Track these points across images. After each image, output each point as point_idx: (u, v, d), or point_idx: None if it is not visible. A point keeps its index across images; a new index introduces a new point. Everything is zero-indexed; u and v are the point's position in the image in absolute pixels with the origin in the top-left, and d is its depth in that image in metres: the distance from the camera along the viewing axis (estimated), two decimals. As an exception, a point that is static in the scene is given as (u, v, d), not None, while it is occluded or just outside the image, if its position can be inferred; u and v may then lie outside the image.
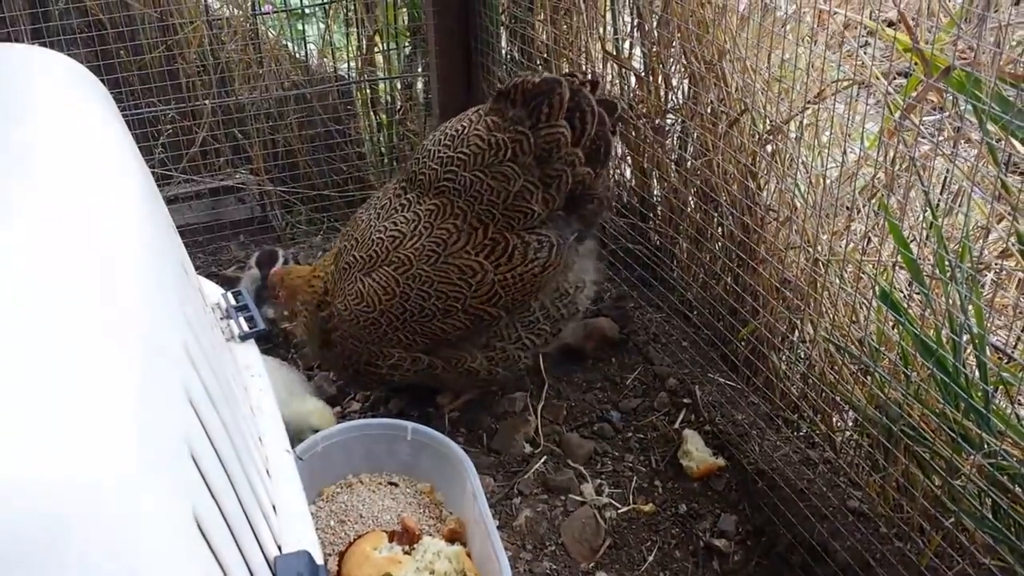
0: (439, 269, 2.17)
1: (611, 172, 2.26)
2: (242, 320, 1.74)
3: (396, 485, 2.24)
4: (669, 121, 2.71)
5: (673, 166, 2.77)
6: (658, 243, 2.92)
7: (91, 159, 1.28)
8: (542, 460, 2.43)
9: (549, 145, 2.10)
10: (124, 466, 0.76)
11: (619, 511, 2.31)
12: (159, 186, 3.31)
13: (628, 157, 2.98)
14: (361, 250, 2.26)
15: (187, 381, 1.10)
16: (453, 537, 2.06)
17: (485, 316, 2.21)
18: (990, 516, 1.71)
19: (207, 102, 3.41)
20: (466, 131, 2.16)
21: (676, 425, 2.53)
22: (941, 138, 1.91)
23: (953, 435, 1.73)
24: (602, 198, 2.22)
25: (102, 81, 1.57)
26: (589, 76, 2.46)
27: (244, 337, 1.71)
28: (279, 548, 1.26)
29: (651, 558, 2.26)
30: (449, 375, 2.35)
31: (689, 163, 2.69)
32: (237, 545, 1.09)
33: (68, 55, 1.54)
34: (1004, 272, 2.04)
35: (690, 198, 2.69)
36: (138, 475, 0.77)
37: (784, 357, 2.43)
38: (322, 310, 2.34)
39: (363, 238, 2.27)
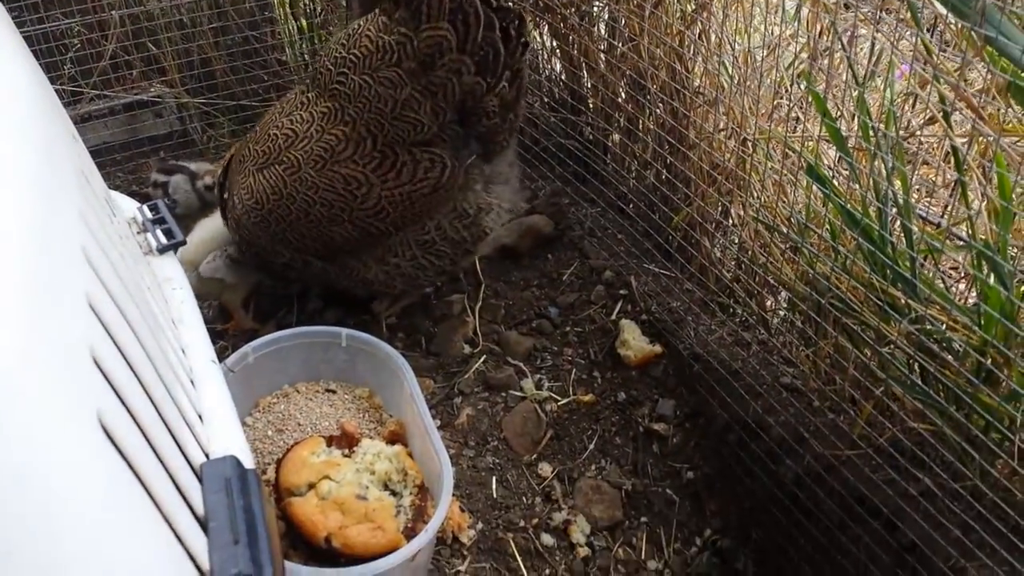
0: (325, 176, 2.13)
1: (514, 88, 2.16)
2: (160, 233, 1.72)
3: (334, 392, 2.24)
4: (596, 7, 2.68)
5: (602, 56, 2.75)
6: (591, 136, 2.91)
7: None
8: (482, 359, 2.45)
9: (431, 49, 2.01)
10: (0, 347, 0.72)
11: (559, 403, 2.34)
12: (69, 103, 3.24)
13: (557, 50, 2.94)
14: (258, 143, 2.22)
15: (87, 286, 1.06)
16: (393, 439, 2.07)
17: (373, 230, 2.18)
18: (919, 382, 1.75)
19: (114, 12, 3.29)
20: (359, 31, 2.09)
21: (613, 316, 2.54)
22: (863, 4, 1.88)
23: (881, 304, 1.75)
24: (499, 114, 2.12)
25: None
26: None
27: (162, 250, 1.70)
28: (207, 456, 1.24)
29: (592, 446, 2.29)
30: (345, 283, 2.34)
31: (618, 50, 2.66)
32: (155, 452, 1.06)
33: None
34: (930, 141, 2.04)
35: (621, 87, 2.68)
36: (17, 359, 0.73)
37: (717, 242, 2.45)
38: (221, 192, 2.33)
39: (262, 131, 2.23)
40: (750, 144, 2.16)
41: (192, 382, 1.40)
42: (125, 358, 1.09)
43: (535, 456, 2.22)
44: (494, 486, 2.15)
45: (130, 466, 0.94)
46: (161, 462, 1.07)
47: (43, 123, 1.26)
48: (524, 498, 2.18)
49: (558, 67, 2.95)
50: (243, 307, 2.67)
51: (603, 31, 2.76)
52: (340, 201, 2.13)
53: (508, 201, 2.30)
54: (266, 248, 2.26)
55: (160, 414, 1.13)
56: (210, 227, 2.59)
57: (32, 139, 1.15)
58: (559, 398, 2.34)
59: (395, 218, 2.16)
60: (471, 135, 2.16)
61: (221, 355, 2.18)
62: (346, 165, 2.11)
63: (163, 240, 1.71)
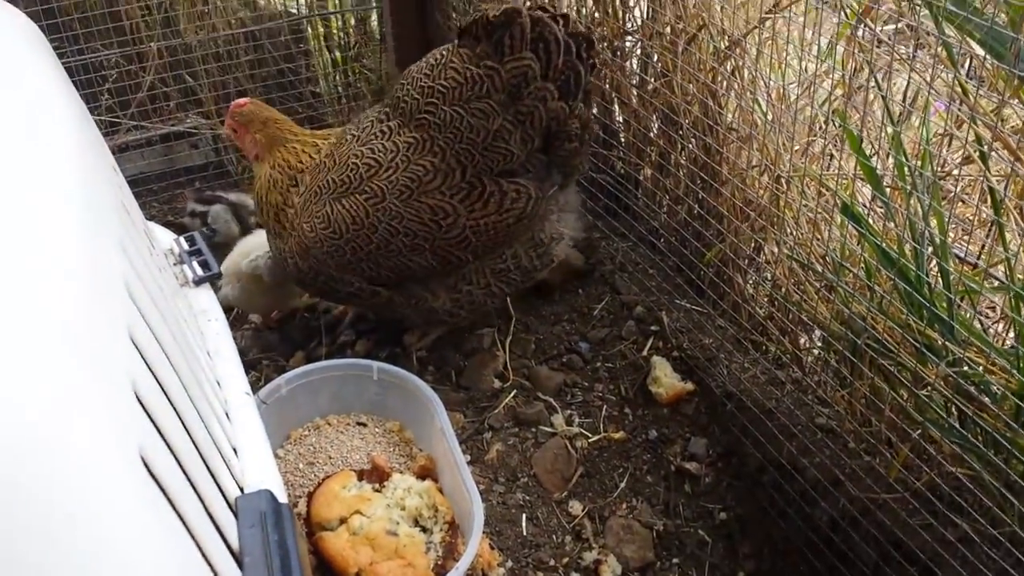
0: (411, 206, 2.15)
1: (588, 108, 2.21)
2: (196, 265, 1.74)
3: (364, 425, 2.24)
4: (628, 43, 2.69)
5: (634, 90, 2.76)
6: (622, 171, 2.91)
7: (19, 100, 1.24)
8: (512, 394, 2.44)
9: (517, 79, 2.07)
10: (54, 391, 0.73)
11: (590, 440, 2.32)
12: (107, 134, 3.30)
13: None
14: (336, 172, 2.23)
15: (129, 319, 1.08)
16: (424, 474, 2.07)
17: (453, 259, 2.21)
18: (957, 425, 1.73)
19: (152, 44, 3.35)
20: (443, 61, 2.13)
21: (644, 352, 2.54)
22: (899, 44, 1.89)
23: (918, 346, 1.74)
24: (579, 136, 2.19)
25: (41, 27, 1.53)
26: (553, 7, 2.39)
27: (198, 282, 1.71)
28: (241, 490, 1.26)
29: (623, 484, 2.27)
30: (408, 311, 2.35)
31: (651, 86, 2.67)
32: (192, 486, 1.07)
33: (6, 0, 1.51)
34: (967, 180, 2.03)
35: (653, 122, 2.68)
36: (69, 402, 0.74)
37: (750, 279, 2.44)
38: (291, 187, 2.30)
39: (340, 160, 2.24)
40: (784, 181, 2.16)
41: (227, 415, 1.42)
42: (165, 392, 1.11)
43: (565, 493, 2.21)
44: (524, 523, 2.13)
45: (170, 501, 0.95)
46: (199, 496, 1.08)
47: (86, 155, 1.29)
48: (554, 536, 2.17)
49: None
50: (268, 321, 2.74)
51: (635, 66, 2.77)
52: (424, 231, 2.16)
53: (573, 229, 2.37)
54: (333, 276, 2.27)
55: (198, 448, 1.15)
56: (253, 243, 2.66)
57: (77, 172, 1.18)
58: (590, 435, 2.33)
59: (476, 247, 2.20)
60: (552, 164, 2.22)
61: (254, 386, 2.19)
62: (433, 196, 2.14)
63: (199, 272, 1.73)
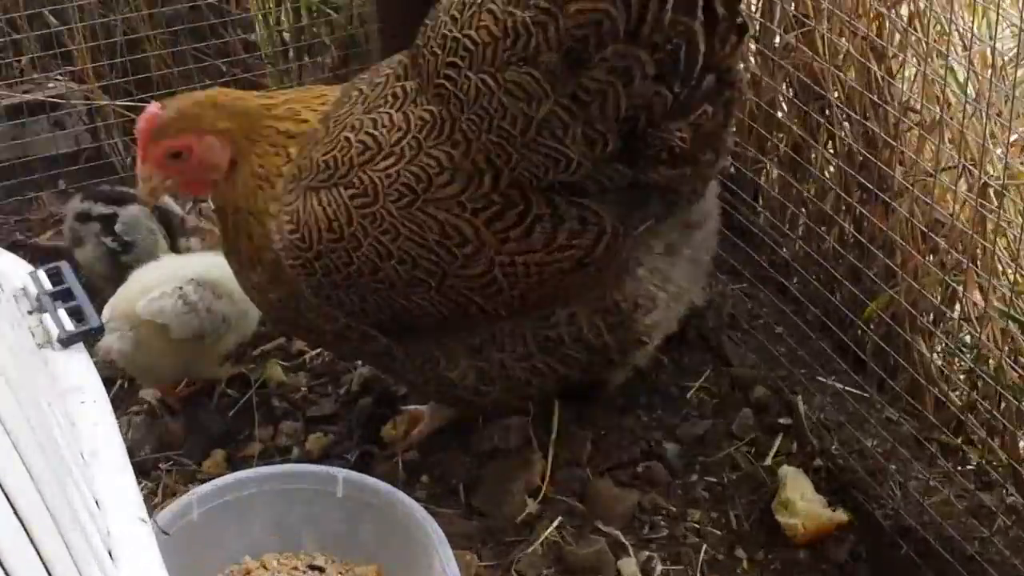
0: (412, 217, 2.19)
1: (716, 109, 2.12)
2: (63, 314, 1.75)
3: (322, 570, 2.24)
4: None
5: (753, 48, 2.74)
6: (733, 172, 2.89)
7: None
8: (555, 523, 2.45)
9: (584, 33, 2.04)
10: None
11: (682, 600, 2.25)
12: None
13: None
14: (321, 148, 2.27)
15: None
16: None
17: (472, 309, 2.24)
18: None
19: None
20: (479, 1, 2.12)
21: (768, 461, 2.55)
22: None
23: None
24: (684, 156, 2.15)
25: None
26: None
27: (67, 340, 1.72)
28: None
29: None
30: (412, 376, 2.39)
31: (779, 39, 2.66)
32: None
33: None
34: None
35: (782, 95, 2.68)
36: None
37: (938, 345, 2.42)
38: (290, 178, 2.31)
39: (332, 129, 2.28)
40: (993, 192, 2.14)
41: (110, 553, 1.43)
42: (18, 517, 1.14)
43: None
44: None
45: None
46: None
47: None
48: None
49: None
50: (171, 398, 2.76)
51: (754, 8, 2.77)
52: (429, 259, 2.19)
53: (680, 291, 2.36)
54: (311, 306, 2.31)
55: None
56: (158, 275, 2.67)
57: None
58: (681, 592, 2.27)
59: (510, 298, 2.21)
60: (648, 184, 2.19)
61: (149, 503, 2.20)
62: (447, 206, 2.17)
63: (68, 325, 1.73)
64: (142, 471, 2.59)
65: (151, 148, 2.32)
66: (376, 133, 2.22)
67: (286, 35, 3.77)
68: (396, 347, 2.33)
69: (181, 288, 2.58)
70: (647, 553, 2.42)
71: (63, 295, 1.78)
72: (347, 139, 2.23)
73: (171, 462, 2.67)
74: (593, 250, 2.18)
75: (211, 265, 2.64)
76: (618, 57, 2.04)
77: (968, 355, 2.34)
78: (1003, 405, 2.25)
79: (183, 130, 2.29)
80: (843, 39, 2.46)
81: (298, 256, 2.24)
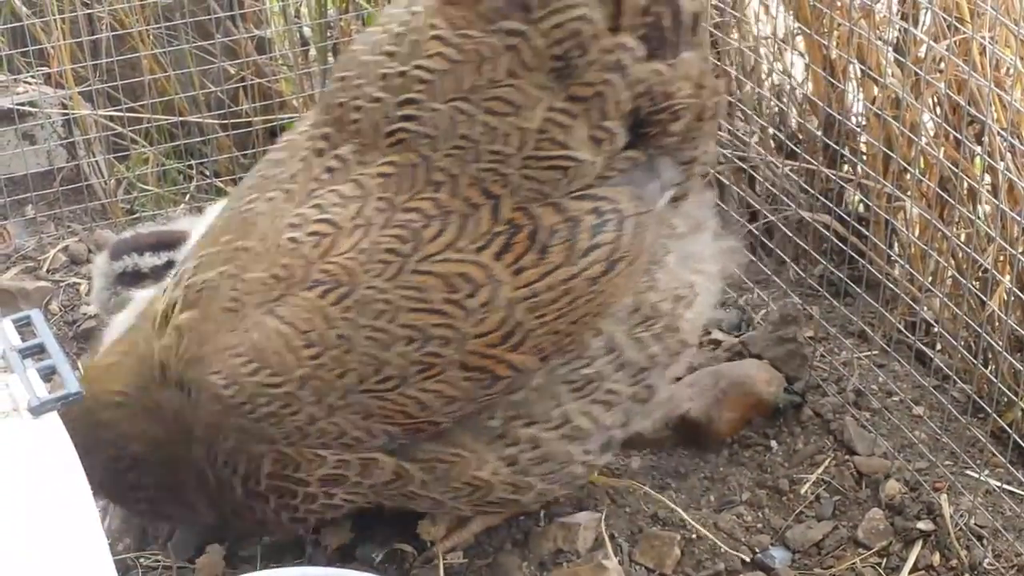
0: (406, 284, 2.11)
1: (704, 54, 2.19)
2: (33, 375, 1.66)
3: None
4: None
5: (890, 53, 2.63)
6: (860, 208, 2.79)
7: None
8: (636, 648, 2.33)
9: (566, 43, 2.04)
10: None
11: None
12: None
13: (797, 36, 2.87)
14: (253, 267, 2.20)
15: None
16: None
17: (497, 373, 2.15)
18: None
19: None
20: (416, 29, 2.13)
21: (905, 574, 2.39)
22: None
23: None
24: (695, 107, 2.17)
25: None
26: None
27: (39, 409, 1.62)
28: None
29: None
30: (438, 493, 2.29)
31: (924, 46, 2.53)
32: None
33: None
34: None
35: (926, 114, 2.62)
36: None
37: None
38: (157, 408, 2.30)
39: (259, 244, 2.22)
40: None
41: None
42: None
43: None
44: None
45: None
46: None
47: None
48: None
49: (797, 70, 2.92)
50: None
51: (893, 11, 2.68)
52: (440, 326, 2.11)
53: (711, 263, 2.36)
54: (285, 459, 2.23)
55: None
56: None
57: None
58: None
59: (539, 342, 2.14)
60: (657, 156, 2.21)
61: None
62: (446, 258, 2.09)
63: (40, 390, 1.63)
64: (120, 571, 2.16)
65: None
66: (327, 216, 2.16)
67: (307, 31, 3.68)
68: (406, 467, 2.26)
69: None
70: None
71: (34, 351, 1.69)
72: (290, 240, 2.17)
73: (153, 563, 2.56)
74: (619, 240, 2.14)
75: None
76: (607, 53, 2.07)
77: None
78: None
79: None
80: (1008, 50, 2.37)
81: (269, 393, 2.14)
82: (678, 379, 2.49)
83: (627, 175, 2.19)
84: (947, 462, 2.51)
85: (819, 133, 2.81)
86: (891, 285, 2.70)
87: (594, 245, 2.13)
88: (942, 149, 2.60)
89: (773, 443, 2.65)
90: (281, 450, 2.21)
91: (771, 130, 2.98)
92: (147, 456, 2.34)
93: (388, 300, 2.11)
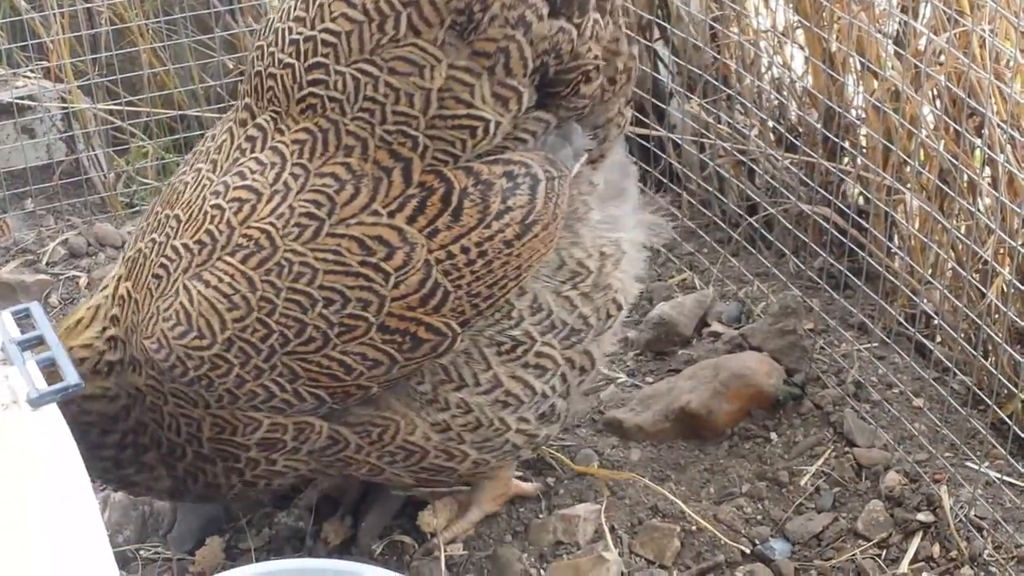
0: (324, 247, 2.15)
1: (615, 19, 2.20)
2: (32, 367, 1.69)
3: None
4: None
5: (890, 45, 2.59)
6: (860, 200, 2.80)
7: None
8: (635, 639, 2.32)
9: (464, 3, 2.09)
10: None
11: None
12: None
13: (796, 29, 2.87)
14: (180, 234, 2.24)
15: None
16: None
17: (418, 335, 2.18)
18: None
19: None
20: None
21: (903, 567, 2.40)
22: None
23: None
24: (605, 70, 2.22)
25: None
26: None
27: (37, 401, 1.65)
28: None
29: None
30: (375, 459, 2.30)
31: (924, 39, 2.51)
32: None
33: None
34: None
35: (926, 107, 2.59)
36: None
37: None
38: (110, 372, 2.33)
39: (184, 212, 2.26)
40: None
41: None
42: None
43: None
44: None
45: None
46: None
47: None
48: None
49: (797, 63, 2.92)
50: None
51: (895, 3, 2.67)
52: (359, 287, 2.14)
53: (634, 227, 2.36)
54: (223, 423, 2.25)
55: None
56: None
57: None
58: None
59: (459, 303, 2.17)
60: (569, 120, 2.23)
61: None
62: (361, 220, 2.14)
63: (39, 382, 1.66)
64: (119, 563, 2.31)
65: None
66: (248, 183, 2.20)
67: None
68: (340, 431, 2.28)
69: None
70: None
71: (33, 343, 1.74)
72: (214, 207, 2.21)
73: (153, 554, 2.56)
74: (532, 204, 2.17)
75: None
76: (509, 8, 2.11)
77: None
78: None
79: None
80: (1008, 42, 2.38)
81: (199, 356, 2.17)
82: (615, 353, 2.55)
83: (540, 139, 2.23)
84: (947, 454, 2.51)
85: (819, 126, 2.82)
86: (891, 277, 2.71)
87: (507, 208, 2.16)
88: (942, 142, 2.60)
89: (773, 435, 2.66)
90: (215, 413, 2.24)
91: (771, 123, 2.99)
92: (107, 415, 2.34)
93: (307, 263, 2.14)
